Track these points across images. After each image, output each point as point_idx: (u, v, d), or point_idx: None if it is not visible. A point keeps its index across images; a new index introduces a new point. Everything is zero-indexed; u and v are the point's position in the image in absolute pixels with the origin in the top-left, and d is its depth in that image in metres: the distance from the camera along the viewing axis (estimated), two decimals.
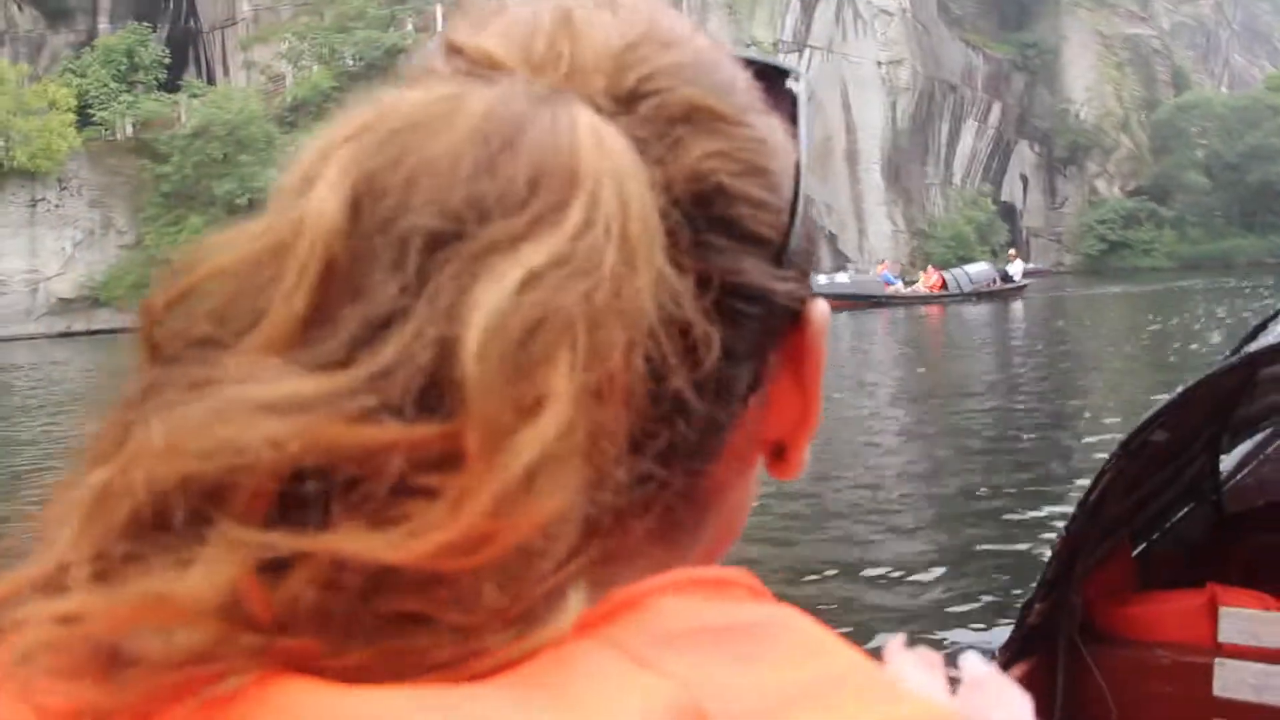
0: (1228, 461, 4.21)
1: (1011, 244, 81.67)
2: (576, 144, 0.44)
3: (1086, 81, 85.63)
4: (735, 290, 0.47)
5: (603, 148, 0.44)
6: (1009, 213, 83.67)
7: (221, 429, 0.38)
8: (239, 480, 0.38)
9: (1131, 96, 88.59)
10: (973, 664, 0.52)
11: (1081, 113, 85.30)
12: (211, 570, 0.36)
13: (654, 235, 0.43)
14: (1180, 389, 2.58)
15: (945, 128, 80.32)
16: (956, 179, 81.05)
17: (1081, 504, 2.66)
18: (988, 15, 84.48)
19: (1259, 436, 4.57)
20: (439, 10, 58.53)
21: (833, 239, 72.42)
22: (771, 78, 0.55)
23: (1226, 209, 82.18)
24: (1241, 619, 2.56)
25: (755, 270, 0.48)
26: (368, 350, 0.40)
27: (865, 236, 73.52)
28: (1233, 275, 57.46)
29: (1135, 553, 3.34)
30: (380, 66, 56.04)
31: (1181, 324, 25.00)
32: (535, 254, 0.41)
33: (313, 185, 0.44)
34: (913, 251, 75.19)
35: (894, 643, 0.56)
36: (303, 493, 0.38)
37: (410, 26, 58.32)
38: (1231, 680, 2.47)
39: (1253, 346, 2.71)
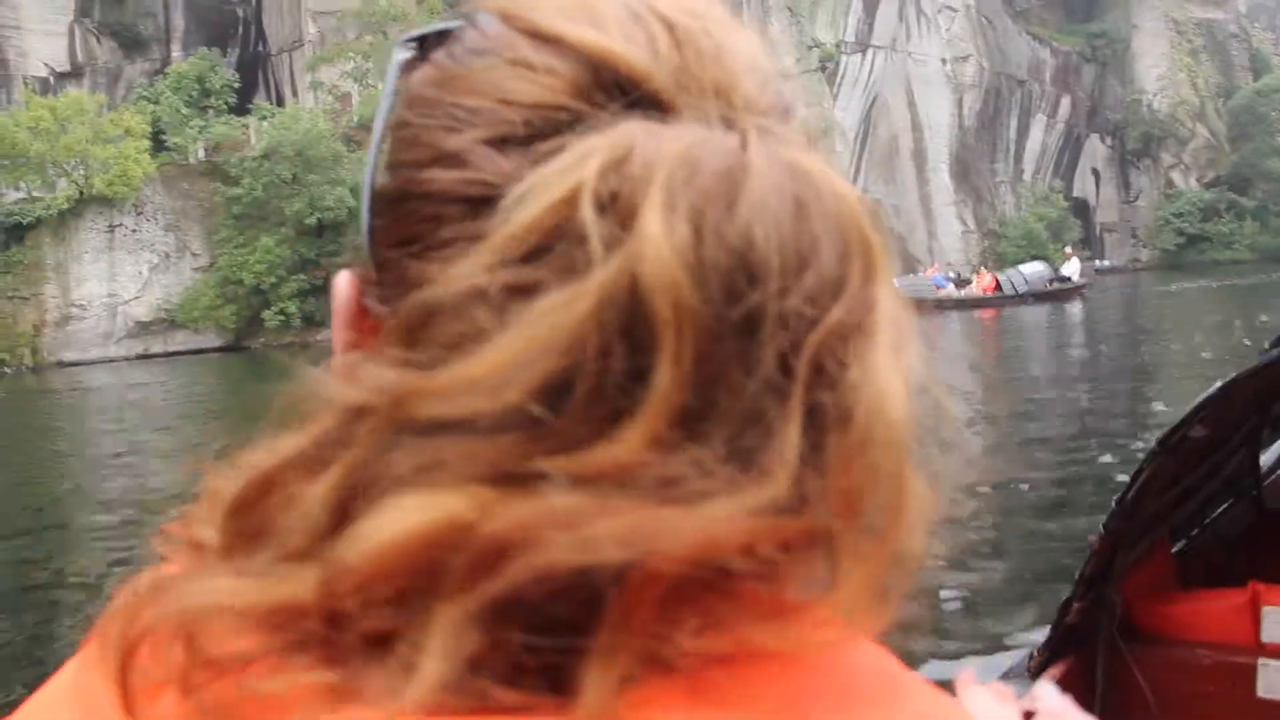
0: (1268, 456, 4.10)
1: (1085, 240, 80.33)
2: (841, 197, 0.45)
3: (1159, 71, 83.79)
4: None
5: (850, 198, 0.45)
6: (1081, 209, 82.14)
7: (694, 526, 0.40)
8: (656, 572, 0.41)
9: (1207, 84, 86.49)
10: (1048, 696, 0.52)
11: (1155, 103, 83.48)
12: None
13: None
14: (1219, 384, 2.52)
15: (1014, 124, 79.11)
16: (1026, 176, 79.77)
17: (1119, 501, 2.62)
18: (1054, 7, 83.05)
19: None
20: None
21: (901, 241, 71.67)
22: None
23: None
24: None
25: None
26: (765, 451, 0.42)
27: (935, 238, 72.63)
28: None
29: (1174, 550, 3.29)
30: None
31: (1251, 321, 24.12)
32: (885, 335, 0.43)
33: (621, 242, 0.42)
34: (983, 251, 74.10)
35: (965, 675, 0.55)
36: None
37: None
38: (1276, 681, 2.42)
39: None
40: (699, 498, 0.40)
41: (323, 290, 52.54)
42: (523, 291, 0.42)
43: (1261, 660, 2.48)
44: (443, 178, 0.46)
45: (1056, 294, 38.17)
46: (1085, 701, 2.47)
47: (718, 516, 0.40)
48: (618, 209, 0.42)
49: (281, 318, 49.73)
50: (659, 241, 0.41)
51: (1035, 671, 2.70)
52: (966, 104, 75.06)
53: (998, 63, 76.79)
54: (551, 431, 0.41)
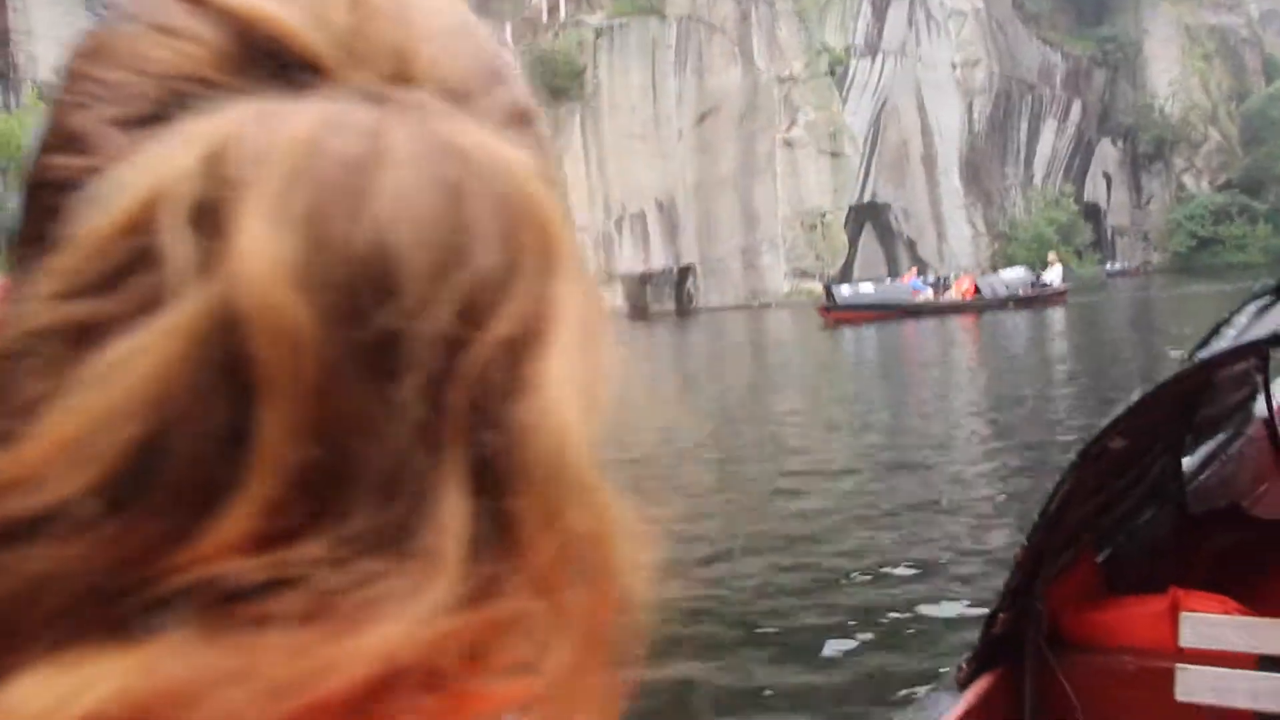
0: (1191, 462, 4.21)
1: (1096, 244, 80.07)
2: (508, 174, 0.36)
3: (1171, 75, 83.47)
4: None
5: (521, 173, 0.36)
6: (1093, 212, 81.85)
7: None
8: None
9: (1219, 88, 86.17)
10: None
11: (1166, 107, 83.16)
12: None
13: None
14: (1136, 395, 2.57)
15: (1024, 128, 78.87)
16: (1037, 180, 79.50)
17: (1042, 513, 2.64)
18: (1065, 11, 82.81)
19: (1221, 437, 4.59)
20: (508, 29, 59.04)
21: (911, 245, 71.50)
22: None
23: None
24: (1202, 623, 2.55)
25: None
26: (426, 525, 0.33)
27: (945, 241, 72.44)
28: None
29: (1101, 558, 3.33)
30: None
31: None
32: (568, 346, 0.35)
33: (217, 258, 0.31)
34: (993, 255, 73.86)
35: None
36: None
37: None
38: (1192, 684, 2.46)
39: (1206, 352, 2.66)
40: (353, 616, 0.31)
41: None
42: (92, 332, 0.32)
43: (1179, 665, 2.51)
44: (61, 164, 0.36)
45: (1037, 300, 37.75)
46: (1015, 710, 2.74)
47: (373, 642, 0.31)
48: (209, 218, 0.32)
49: None
50: (258, 257, 0.31)
51: (963, 683, 2.72)
52: (977, 108, 74.86)
53: (1008, 67, 76.56)
54: (132, 534, 0.31)
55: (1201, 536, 3.76)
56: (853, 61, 66.66)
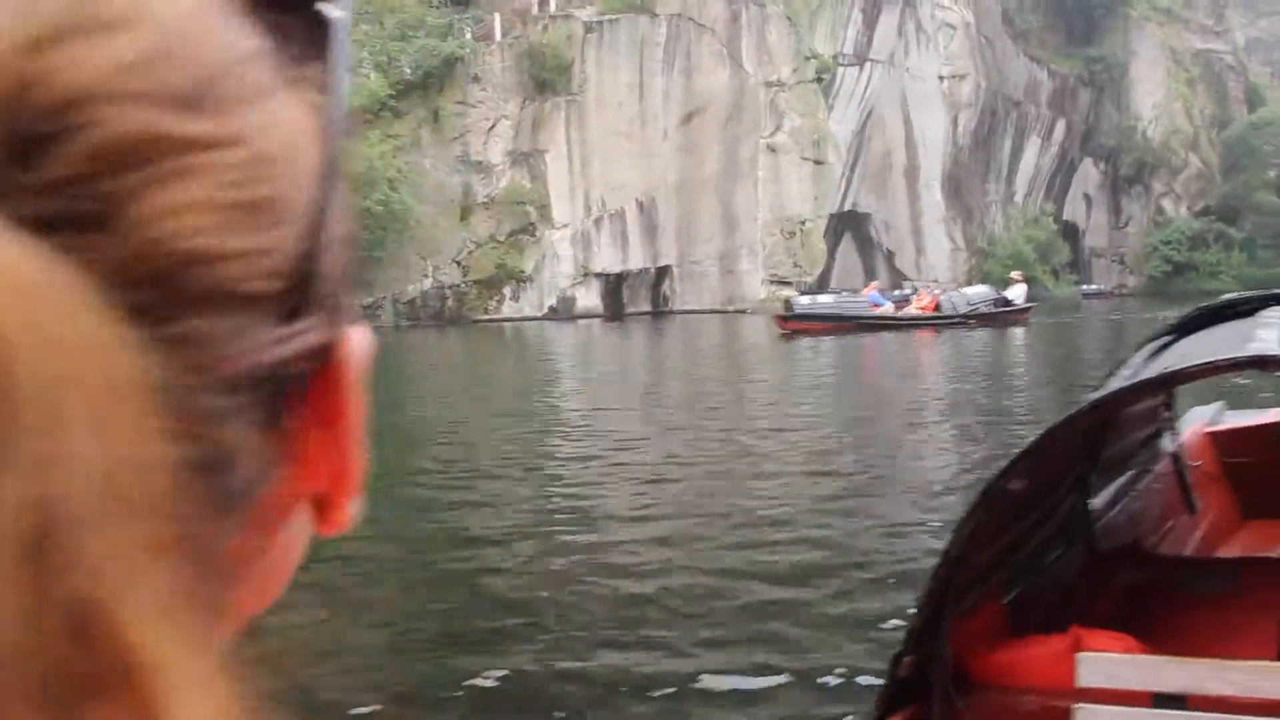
0: (1099, 501, 4.27)
1: (1073, 264, 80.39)
2: None
3: (1155, 98, 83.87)
4: (233, 379, 0.31)
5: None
6: (1071, 232, 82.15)
7: None
8: None
9: (1202, 114, 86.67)
10: None
11: (1149, 130, 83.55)
12: None
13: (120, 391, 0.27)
14: (1035, 437, 2.55)
15: (1008, 144, 79.04)
16: (1018, 197, 79.71)
17: (945, 554, 2.64)
18: (1054, 29, 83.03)
19: (1129, 475, 4.67)
20: (497, 19, 58.55)
21: (890, 257, 71.48)
22: (293, 8, 0.34)
23: None
24: (1099, 662, 2.56)
25: (252, 341, 0.32)
26: None
27: (924, 254, 72.47)
28: None
29: (1009, 598, 3.32)
30: (437, 76, 56.11)
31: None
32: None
33: None
34: (970, 270, 73.96)
35: None
36: None
37: (469, 35, 58.35)
38: None
39: (1100, 392, 2.64)
40: None
41: None
42: None
43: (1078, 705, 2.50)
44: None
45: (998, 318, 37.28)
46: None
47: None
48: None
49: None
50: None
51: None
52: (962, 122, 74.93)
53: (995, 82, 76.68)
54: None
55: (1109, 574, 3.78)
56: (840, 69, 66.55)
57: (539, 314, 55.60)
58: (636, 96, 59.20)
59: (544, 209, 56.67)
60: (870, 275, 69.23)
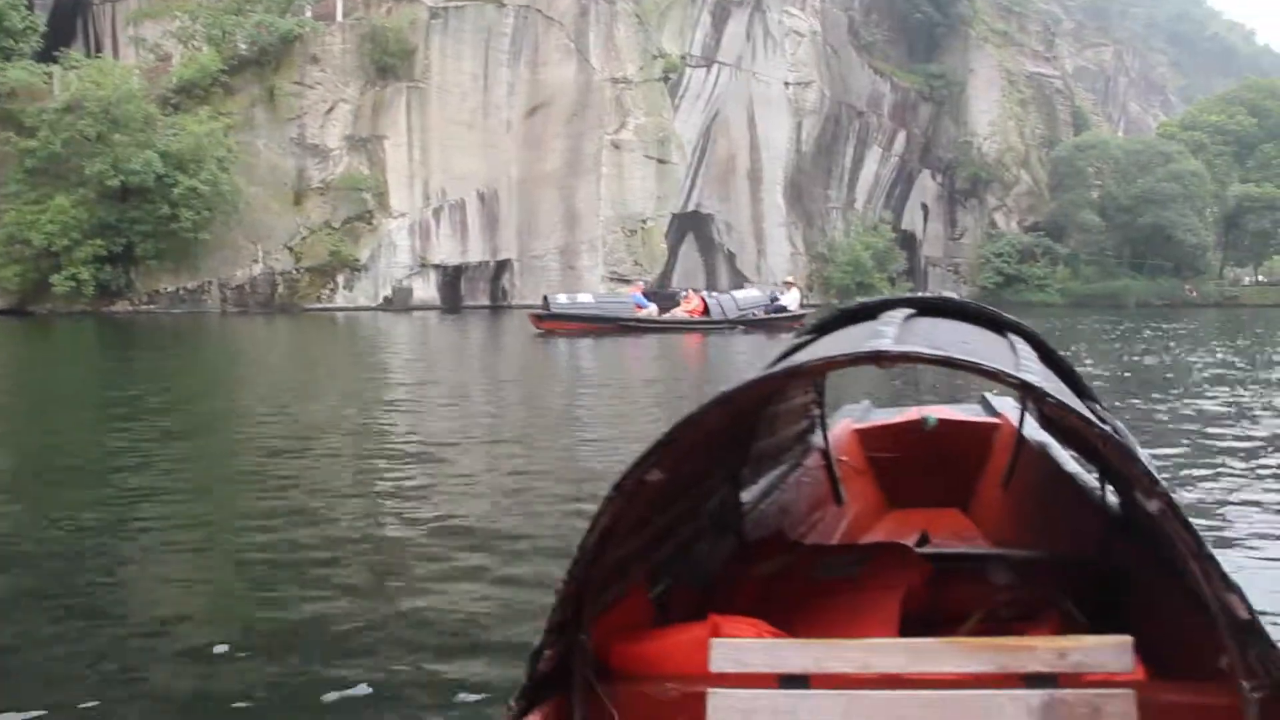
0: (750, 494, 4.38)
1: (909, 272, 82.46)
2: None
3: (990, 116, 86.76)
4: None
5: None
6: (908, 241, 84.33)
7: None
8: None
9: (1033, 133, 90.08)
10: None
11: (984, 146, 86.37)
12: None
13: None
14: (672, 426, 2.59)
15: (850, 152, 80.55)
16: (858, 205, 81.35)
17: (582, 547, 2.67)
18: (897, 44, 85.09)
19: (780, 469, 4.83)
20: None
21: (731, 258, 71.98)
22: None
23: (1118, 249, 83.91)
24: (729, 648, 2.63)
25: None
26: None
27: (764, 257, 73.20)
28: (1122, 315, 58.11)
29: (659, 590, 3.38)
30: (274, 53, 54.02)
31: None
32: None
33: None
34: (810, 275, 75.08)
35: None
36: None
37: (309, 13, 56.38)
38: (720, 707, 2.52)
39: (729, 386, 2.64)
40: None
41: (122, 258, 49.37)
42: None
43: (710, 689, 2.56)
44: None
45: (770, 323, 36.15)
46: None
47: None
48: None
49: (73, 283, 46.36)
50: None
51: None
52: (805, 129, 76.01)
53: (839, 92, 78.06)
54: None
55: (754, 564, 3.89)
56: (688, 70, 66.69)
57: (374, 304, 54.04)
58: (481, 86, 58.11)
59: (381, 197, 55.11)
60: (712, 276, 69.60)
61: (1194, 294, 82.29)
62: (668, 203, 63.78)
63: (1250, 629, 2.27)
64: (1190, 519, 2.33)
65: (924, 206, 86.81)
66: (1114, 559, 3.69)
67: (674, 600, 3.39)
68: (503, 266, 59.41)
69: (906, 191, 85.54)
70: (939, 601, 3.65)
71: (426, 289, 56.31)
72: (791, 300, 38.89)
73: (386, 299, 54.79)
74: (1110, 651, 2.41)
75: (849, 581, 3.67)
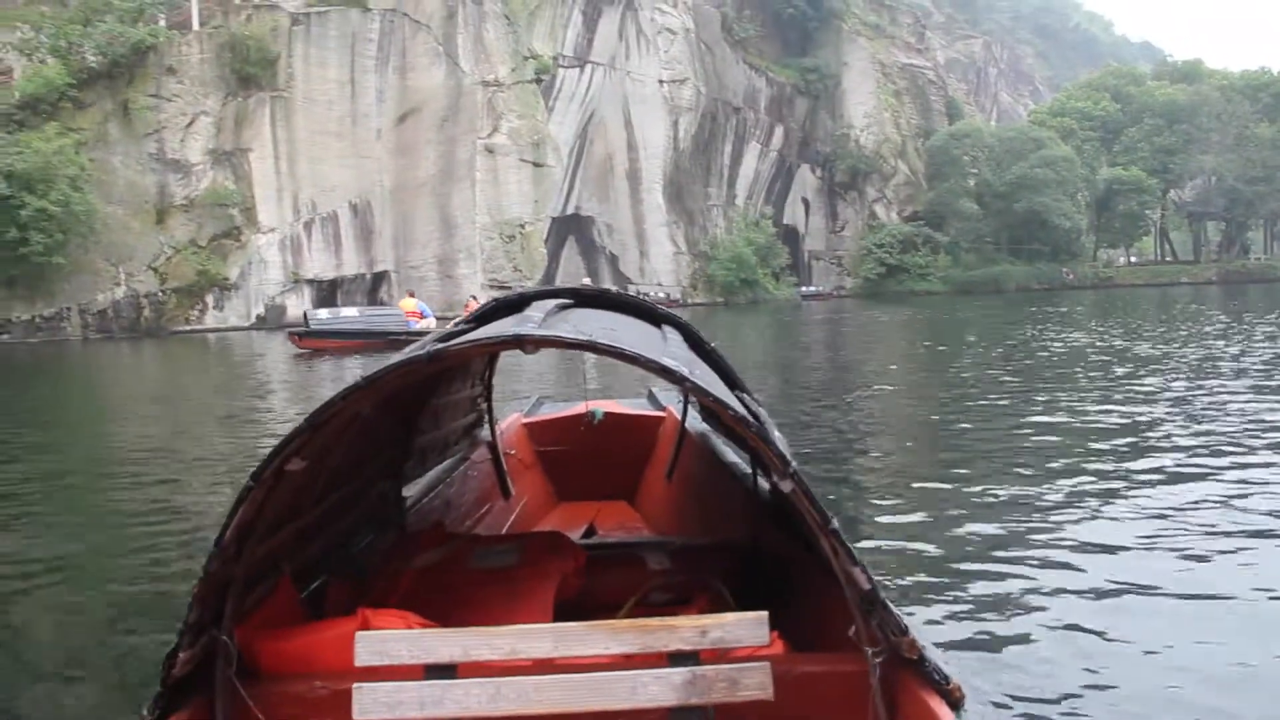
0: (415, 488, 4.38)
1: (793, 266, 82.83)
2: None
3: (866, 108, 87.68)
4: None
5: None
6: (791, 236, 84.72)
7: None
8: None
9: (909, 124, 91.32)
10: None
11: (861, 138, 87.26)
12: None
13: None
14: (308, 415, 2.49)
15: (728, 149, 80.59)
16: (739, 201, 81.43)
17: (217, 543, 2.54)
18: (771, 39, 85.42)
19: (447, 462, 4.87)
20: (195, 6, 54.51)
21: (614, 260, 71.31)
22: None
23: (996, 235, 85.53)
24: (374, 640, 2.57)
25: None
26: None
27: (647, 258, 72.72)
28: (1001, 299, 58.92)
29: (315, 585, 3.31)
30: (126, 65, 51.62)
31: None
32: None
33: None
34: (694, 274, 74.86)
35: None
36: None
37: (162, 22, 54.05)
38: (367, 702, 2.49)
39: (370, 372, 2.51)
40: None
41: None
42: None
43: (356, 684, 2.50)
44: None
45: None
46: None
47: None
48: None
49: None
50: None
51: None
52: (682, 127, 75.75)
53: (715, 88, 77.98)
54: None
55: (414, 556, 3.80)
56: (561, 71, 65.80)
57: (246, 324, 51.98)
58: (348, 94, 56.43)
59: (249, 212, 53.09)
60: (595, 278, 68.79)
61: (1071, 276, 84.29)
62: (546, 206, 62.79)
63: (871, 599, 2.39)
64: (819, 496, 2.41)
65: (805, 201, 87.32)
66: (764, 541, 3.79)
67: (330, 596, 3.32)
68: (380, 278, 57.76)
69: (787, 186, 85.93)
70: (596, 589, 3.74)
71: (301, 305, 54.39)
72: None
73: (259, 317, 52.80)
74: (747, 627, 2.50)
75: (505, 571, 3.68)
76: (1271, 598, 4.88)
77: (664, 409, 6.33)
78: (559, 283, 66.53)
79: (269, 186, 53.71)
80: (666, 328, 3.55)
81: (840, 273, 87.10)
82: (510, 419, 6.05)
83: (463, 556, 3.82)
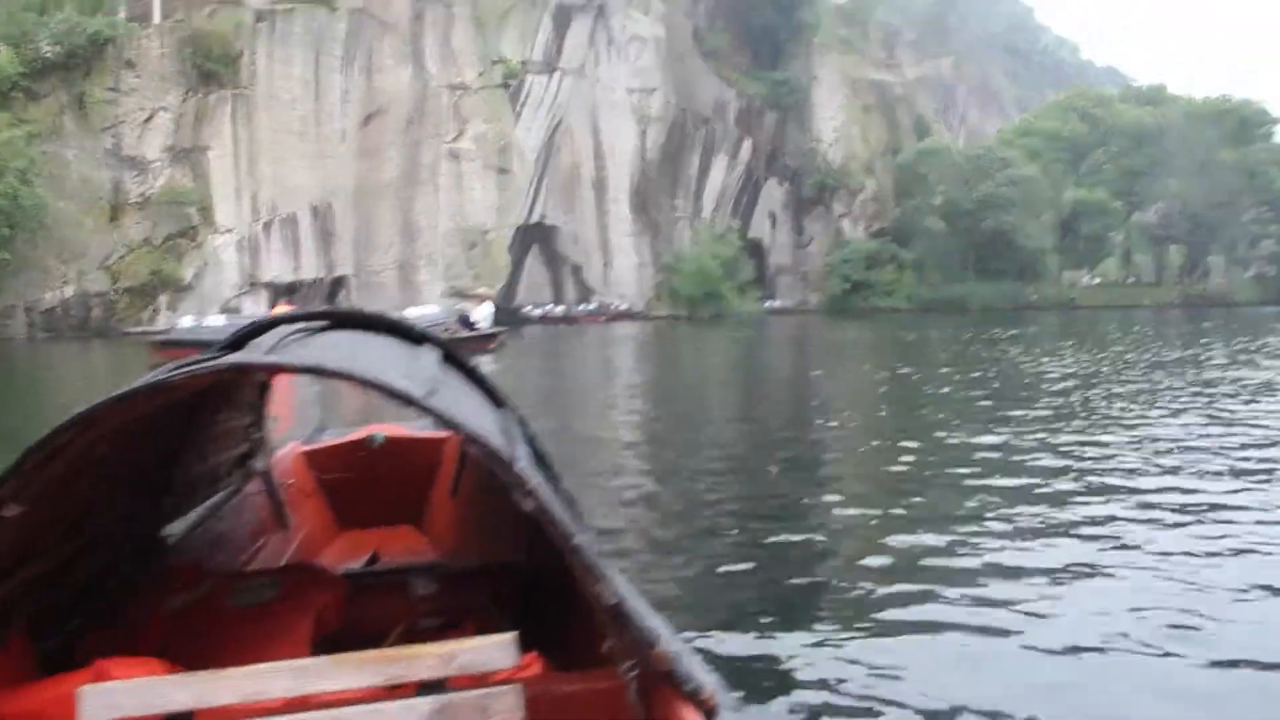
0: (179, 525, 4.20)
1: (759, 280, 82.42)
2: None
3: (835, 123, 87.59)
4: None
5: None
6: (757, 249, 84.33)
7: None
8: None
9: (877, 140, 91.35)
10: None
11: (829, 153, 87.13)
12: None
13: None
14: (19, 457, 2.37)
15: (696, 160, 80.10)
16: (705, 213, 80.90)
17: None
18: (742, 51, 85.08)
19: (216, 496, 4.66)
20: (157, 0, 53.40)
21: (577, 270, 70.63)
22: None
23: (962, 254, 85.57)
24: (101, 693, 2.35)
25: None
26: None
27: (611, 268, 72.08)
28: (966, 319, 58.79)
29: (64, 632, 3.11)
30: (83, 57, 50.41)
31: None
32: None
33: None
34: (658, 285, 74.28)
35: None
36: None
37: (122, 13, 52.87)
38: None
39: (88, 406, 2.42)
40: None
41: None
42: None
43: None
44: None
45: (456, 343, 31.28)
46: None
47: None
48: None
49: None
50: None
51: None
52: (650, 136, 75.20)
53: (684, 99, 77.52)
54: None
55: (173, 598, 3.63)
56: (529, 76, 65.08)
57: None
58: (312, 94, 55.42)
59: (206, 211, 51.93)
60: (558, 289, 68.21)
61: (1035, 297, 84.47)
62: (510, 214, 62.02)
63: (619, 613, 2.39)
64: (572, 515, 2.42)
65: (771, 215, 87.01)
66: (536, 561, 3.73)
67: (79, 647, 3.12)
68: (339, 283, 56.74)
69: (754, 200, 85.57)
70: (361, 619, 3.65)
71: (257, 308, 53.19)
72: (483, 316, 34.35)
73: None
74: (496, 650, 2.46)
75: (263, 608, 3.58)
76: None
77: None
78: (521, 293, 65.92)
79: (228, 186, 52.60)
80: (425, 348, 3.50)
81: (805, 287, 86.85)
82: (288, 448, 5.84)
83: (221, 595, 3.70)
